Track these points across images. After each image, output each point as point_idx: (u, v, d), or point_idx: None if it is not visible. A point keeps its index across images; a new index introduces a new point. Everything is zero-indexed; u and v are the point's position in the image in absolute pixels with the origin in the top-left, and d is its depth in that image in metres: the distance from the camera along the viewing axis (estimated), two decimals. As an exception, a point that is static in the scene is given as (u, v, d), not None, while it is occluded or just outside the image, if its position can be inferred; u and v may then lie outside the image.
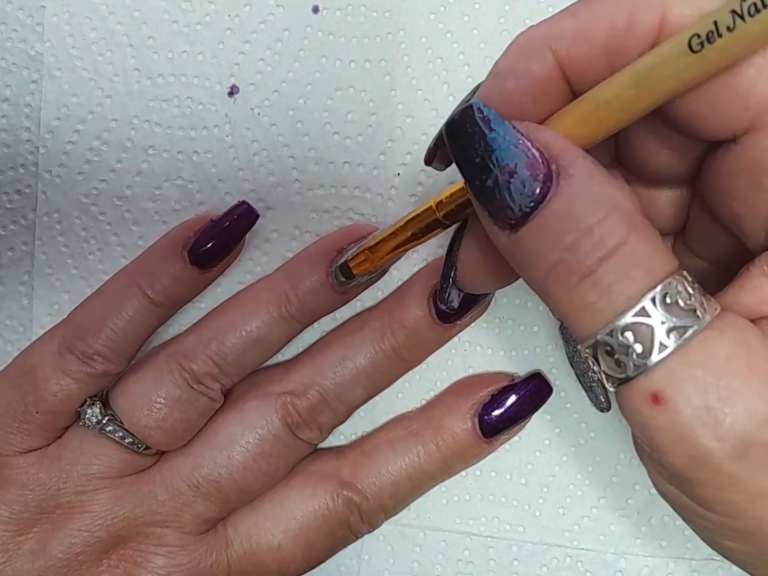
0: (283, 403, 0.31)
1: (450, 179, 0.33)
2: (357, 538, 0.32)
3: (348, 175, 0.33)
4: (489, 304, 0.33)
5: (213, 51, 0.33)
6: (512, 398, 0.32)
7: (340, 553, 0.34)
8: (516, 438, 0.33)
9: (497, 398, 0.32)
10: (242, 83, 0.33)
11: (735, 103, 0.19)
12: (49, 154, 0.34)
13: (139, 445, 0.30)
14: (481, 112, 0.21)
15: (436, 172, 0.30)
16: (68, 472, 0.30)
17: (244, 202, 0.32)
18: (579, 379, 0.31)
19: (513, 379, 0.32)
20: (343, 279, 0.30)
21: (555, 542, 0.33)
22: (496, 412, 0.31)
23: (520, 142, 0.20)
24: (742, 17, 0.18)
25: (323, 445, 0.33)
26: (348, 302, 0.33)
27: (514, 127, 0.20)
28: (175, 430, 0.31)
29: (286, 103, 0.33)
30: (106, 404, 0.31)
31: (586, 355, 0.20)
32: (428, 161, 0.25)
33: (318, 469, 0.32)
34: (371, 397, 0.32)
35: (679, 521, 0.32)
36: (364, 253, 0.29)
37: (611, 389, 0.20)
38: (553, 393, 0.33)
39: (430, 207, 0.26)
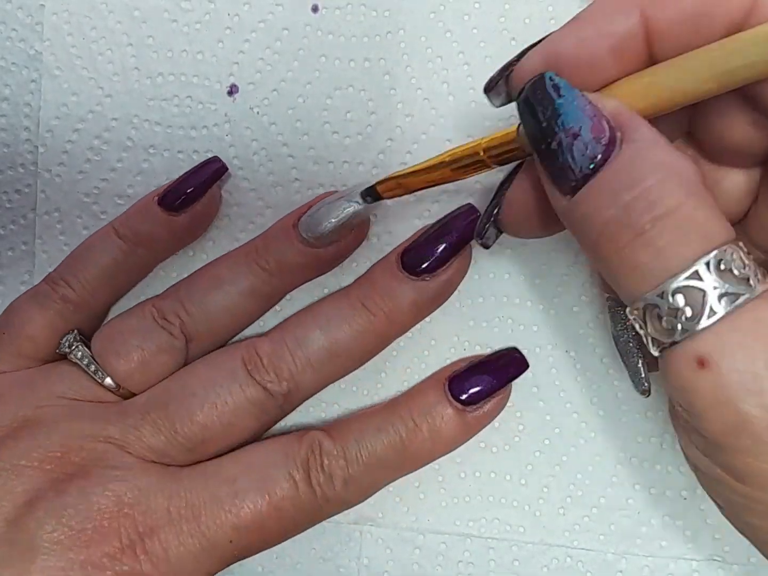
0: (246, 345, 0.31)
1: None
2: (325, 491, 0.30)
3: (347, 174, 0.33)
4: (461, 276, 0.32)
5: (212, 50, 0.33)
6: (485, 364, 0.32)
7: (340, 555, 0.34)
8: (515, 438, 0.33)
9: (470, 365, 0.32)
10: (242, 82, 0.33)
11: None
12: (48, 154, 0.34)
13: (100, 374, 0.31)
14: (552, 80, 0.21)
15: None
16: (33, 390, 0.31)
17: (215, 157, 0.33)
18: (623, 360, 0.30)
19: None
20: (370, 200, 0.30)
21: (555, 542, 0.33)
22: (466, 371, 0.31)
23: (587, 107, 0.21)
24: None
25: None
26: (322, 267, 0.33)
27: (582, 95, 0.21)
28: (131, 357, 0.31)
29: (286, 102, 0.33)
30: (87, 343, 0.32)
31: (634, 317, 0.20)
32: (487, 90, 0.26)
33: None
34: (334, 351, 0.31)
35: (680, 521, 0.32)
36: (396, 180, 0.29)
37: (656, 353, 0.20)
38: (553, 393, 0.33)
39: (476, 151, 0.26)
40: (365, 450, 0.30)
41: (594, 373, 0.33)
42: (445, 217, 0.31)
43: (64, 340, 0.32)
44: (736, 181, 0.25)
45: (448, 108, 0.33)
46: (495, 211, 0.27)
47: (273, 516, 0.29)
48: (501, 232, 0.28)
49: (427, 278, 0.30)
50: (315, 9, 0.33)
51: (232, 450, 0.31)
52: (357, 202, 0.30)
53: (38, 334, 0.32)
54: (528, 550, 0.34)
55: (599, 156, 0.20)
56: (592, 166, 0.20)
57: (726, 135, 0.23)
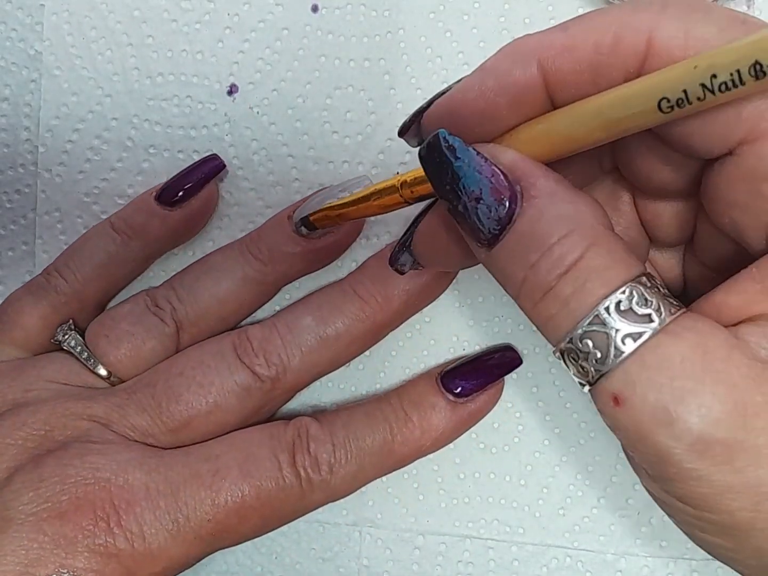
0: (238, 332, 0.31)
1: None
2: (309, 476, 0.29)
3: (347, 175, 0.33)
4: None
5: (212, 50, 0.33)
6: (478, 359, 0.32)
7: (339, 555, 0.34)
8: (515, 439, 0.33)
9: (463, 361, 0.32)
10: (241, 82, 0.33)
11: (726, 120, 0.20)
12: (48, 153, 0.34)
13: (92, 361, 0.31)
14: (447, 141, 0.21)
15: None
16: (22, 375, 0.31)
17: (213, 154, 0.34)
18: None
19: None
20: (306, 231, 0.31)
21: (555, 543, 0.33)
22: (459, 366, 0.32)
23: (484, 168, 0.21)
24: (712, 92, 0.18)
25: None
26: (316, 258, 0.33)
27: (477, 153, 0.21)
28: (120, 340, 0.31)
29: (286, 102, 0.33)
30: (81, 333, 0.32)
31: (560, 360, 0.21)
32: (401, 134, 0.26)
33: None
34: (324, 336, 0.31)
35: (679, 521, 0.32)
36: (326, 212, 0.30)
37: (585, 392, 0.21)
38: (553, 393, 0.33)
39: (394, 185, 0.26)
40: (353, 436, 0.30)
41: (594, 373, 0.33)
42: None
43: (59, 329, 0.32)
44: (674, 210, 0.25)
45: (447, 108, 0.33)
46: (408, 240, 0.27)
47: (253, 497, 0.28)
48: (416, 260, 0.28)
49: (422, 268, 0.30)
50: (315, 9, 0.33)
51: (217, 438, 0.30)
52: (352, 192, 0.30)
53: (30, 324, 0.32)
54: (528, 550, 0.33)
55: (503, 216, 0.21)
56: (498, 228, 0.21)
57: (647, 172, 0.24)
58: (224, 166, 0.33)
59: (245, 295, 0.32)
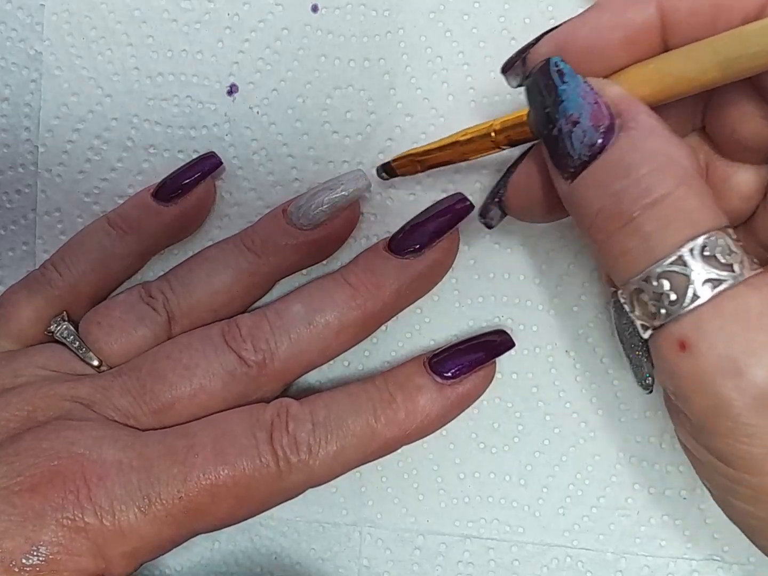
0: (228, 320, 0.31)
1: (444, 188, 0.33)
2: (288, 455, 0.28)
3: (347, 174, 0.33)
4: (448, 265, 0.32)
5: (212, 50, 0.33)
6: (468, 341, 0.31)
7: (339, 555, 0.34)
8: (515, 439, 0.33)
9: (453, 344, 0.31)
10: (241, 82, 0.33)
11: None
12: (48, 153, 0.34)
13: (84, 350, 0.31)
14: (557, 66, 0.22)
15: (435, 170, 0.31)
16: (13, 363, 0.31)
17: (211, 152, 0.34)
18: (626, 354, 0.30)
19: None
20: (385, 176, 0.31)
21: (555, 542, 0.33)
22: (448, 348, 0.31)
23: (589, 94, 0.21)
24: None
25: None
26: (311, 251, 0.32)
27: (585, 81, 0.21)
28: (111, 327, 0.31)
29: (285, 101, 0.33)
30: (75, 325, 0.32)
31: (624, 300, 0.21)
32: (504, 70, 0.26)
33: None
34: (313, 324, 0.30)
35: (680, 521, 0.32)
36: (410, 158, 0.30)
37: (646, 336, 0.20)
38: (553, 393, 0.33)
39: (487, 130, 0.27)
40: (334, 416, 0.29)
41: (593, 373, 0.33)
42: (434, 204, 0.31)
43: (53, 320, 0.32)
44: (746, 178, 0.25)
45: (448, 108, 0.33)
46: (500, 190, 0.27)
47: (228, 475, 0.27)
48: (505, 214, 0.28)
49: (413, 258, 0.30)
50: (315, 9, 0.33)
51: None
52: (347, 186, 0.31)
53: (24, 317, 0.32)
54: (528, 550, 0.33)
55: (597, 143, 0.21)
56: (589, 154, 0.21)
57: (737, 128, 0.23)
58: (221, 163, 0.33)
59: (237, 287, 0.32)
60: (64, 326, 0.32)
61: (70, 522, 0.26)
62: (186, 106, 0.34)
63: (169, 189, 0.32)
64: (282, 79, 0.33)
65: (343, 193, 0.31)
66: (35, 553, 0.25)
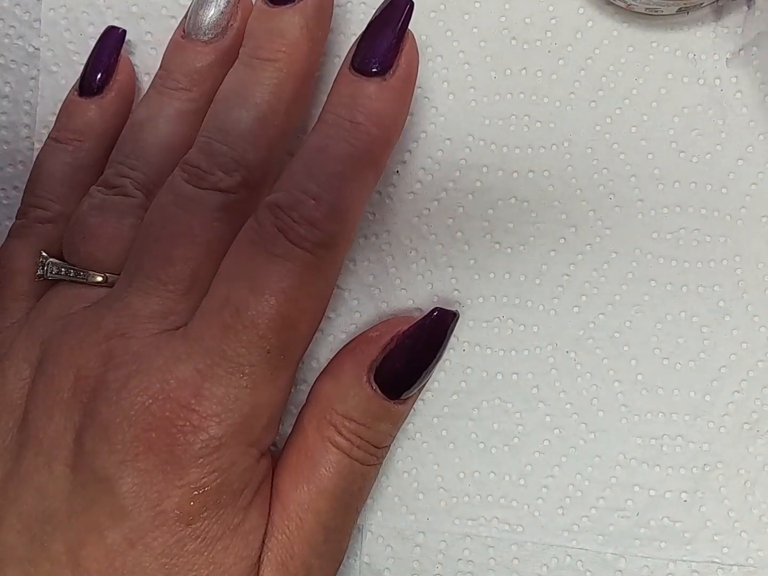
0: (178, 165, 0.29)
1: (443, 187, 0.33)
2: (313, 240, 0.26)
3: (347, 173, 0.33)
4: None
5: (211, 48, 0.33)
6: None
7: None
8: (515, 439, 0.33)
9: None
10: (241, 80, 0.33)
11: None
12: (46, 151, 0.34)
13: (81, 275, 0.29)
14: None
15: (435, 170, 0.31)
16: (33, 330, 0.29)
17: (110, 26, 0.33)
18: None
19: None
20: None
21: (554, 542, 0.33)
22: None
23: None
24: None
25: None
26: (232, 60, 0.30)
27: None
28: (98, 234, 0.29)
29: (285, 100, 0.33)
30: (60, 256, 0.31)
31: None
32: None
33: None
34: (260, 117, 0.29)
35: (680, 523, 0.32)
36: None
37: None
38: (553, 394, 0.33)
39: None
40: (323, 175, 0.27)
41: (594, 374, 0.33)
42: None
43: (36, 265, 0.30)
44: None
45: (448, 108, 0.33)
46: None
47: (281, 294, 0.26)
48: None
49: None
50: (314, 6, 0.33)
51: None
52: None
53: (26, 265, 0.30)
54: (527, 549, 0.34)
55: None
56: None
57: None
58: (124, 31, 0.33)
59: (188, 130, 0.30)
60: (49, 263, 0.30)
61: (205, 450, 0.25)
62: (185, 104, 0.33)
63: (91, 80, 0.32)
64: (281, 77, 0.33)
65: None
66: (198, 499, 0.25)
